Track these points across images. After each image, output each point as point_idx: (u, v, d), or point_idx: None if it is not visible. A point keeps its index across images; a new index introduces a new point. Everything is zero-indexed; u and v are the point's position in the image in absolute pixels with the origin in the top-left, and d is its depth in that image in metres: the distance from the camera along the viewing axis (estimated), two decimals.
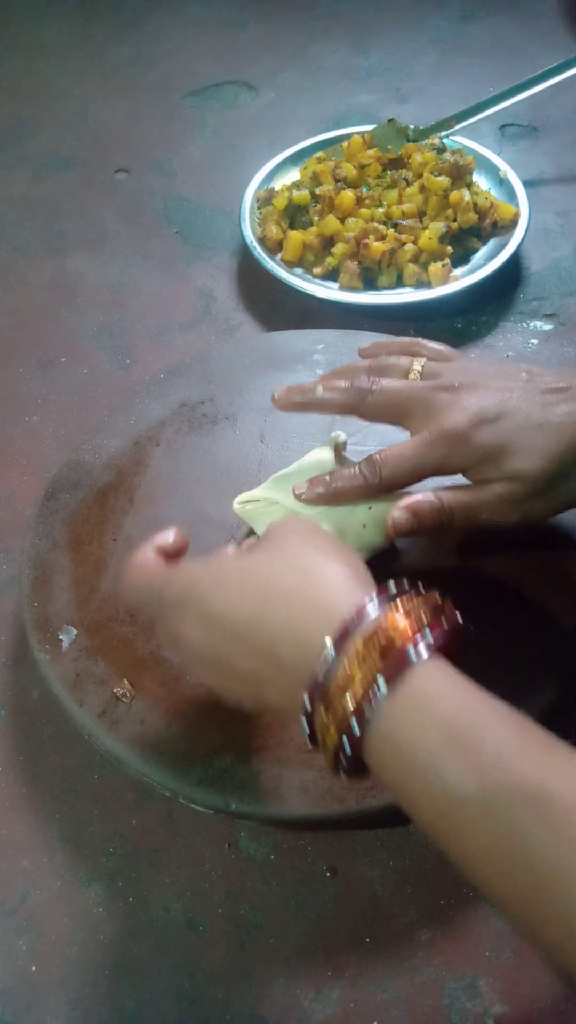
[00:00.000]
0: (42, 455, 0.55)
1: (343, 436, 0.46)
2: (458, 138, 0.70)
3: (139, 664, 0.41)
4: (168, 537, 0.34)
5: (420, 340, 0.43)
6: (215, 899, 0.38)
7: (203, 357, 0.55)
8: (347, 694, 0.24)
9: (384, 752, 0.25)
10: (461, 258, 0.63)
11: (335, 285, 0.62)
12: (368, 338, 0.55)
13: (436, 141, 0.69)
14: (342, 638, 0.25)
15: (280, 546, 0.30)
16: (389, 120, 0.70)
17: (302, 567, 0.28)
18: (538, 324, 0.61)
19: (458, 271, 0.62)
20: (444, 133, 0.70)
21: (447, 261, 0.61)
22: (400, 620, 0.25)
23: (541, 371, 0.38)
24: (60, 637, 0.42)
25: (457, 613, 0.27)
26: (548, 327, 0.61)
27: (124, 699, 0.40)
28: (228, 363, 0.54)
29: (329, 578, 0.27)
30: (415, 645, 0.25)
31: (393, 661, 0.24)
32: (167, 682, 0.40)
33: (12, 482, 0.54)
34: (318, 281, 0.62)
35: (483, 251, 0.63)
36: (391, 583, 0.27)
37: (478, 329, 0.61)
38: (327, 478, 0.40)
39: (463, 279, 0.60)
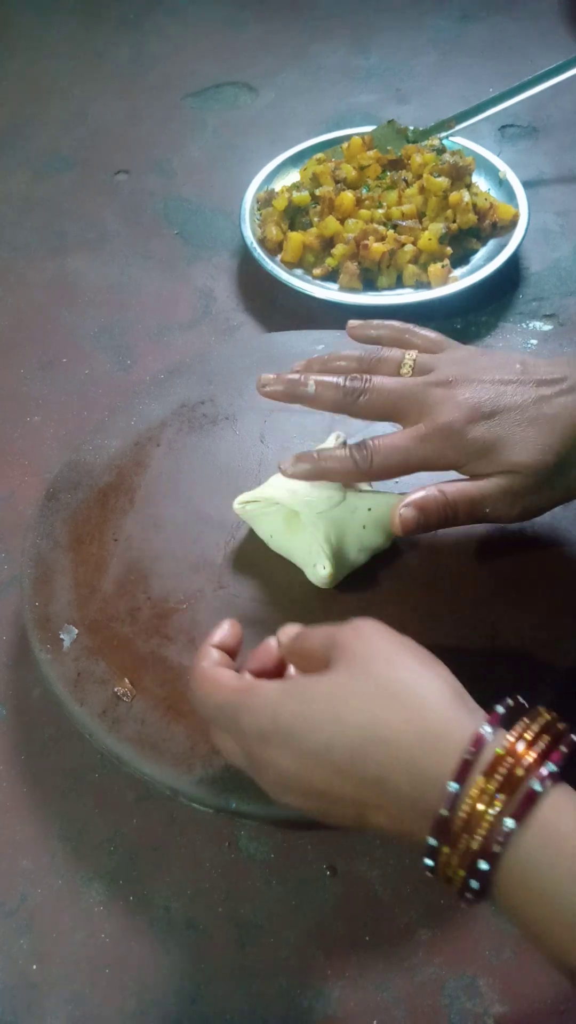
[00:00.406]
0: (43, 455, 0.55)
1: (343, 436, 0.46)
2: (458, 139, 0.70)
3: (140, 664, 0.41)
4: (225, 633, 0.33)
5: (411, 327, 0.42)
6: (215, 898, 0.38)
7: (203, 357, 0.55)
8: (475, 834, 0.24)
9: (514, 887, 0.24)
10: (461, 259, 0.63)
11: (335, 286, 0.62)
12: None
13: (436, 142, 0.69)
14: (463, 773, 0.24)
15: (366, 667, 0.27)
16: (389, 121, 0.70)
17: (400, 693, 0.26)
18: (537, 324, 0.61)
19: (458, 272, 0.62)
20: (444, 134, 0.70)
21: (447, 262, 0.61)
22: (520, 748, 0.24)
23: (535, 362, 0.38)
24: (61, 636, 0.42)
25: (571, 734, 0.26)
26: (547, 327, 0.61)
27: (125, 698, 0.40)
28: (228, 363, 0.55)
29: (434, 703, 0.26)
30: (539, 777, 0.24)
31: (519, 796, 0.23)
32: (168, 682, 0.40)
33: (13, 482, 0.54)
34: (318, 282, 0.63)
35: (483, 252, 0.63)
36: (499, 707, 0.26)
37: (477, 330, 0.61)
38: (315, 455, 0.39)
39: (463, 280, 0.60)
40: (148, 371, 0.60)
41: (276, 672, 0.33)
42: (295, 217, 0.66)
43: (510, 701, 0.26)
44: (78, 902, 0.38)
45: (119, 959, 0.37)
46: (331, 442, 0.45)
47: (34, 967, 0.37)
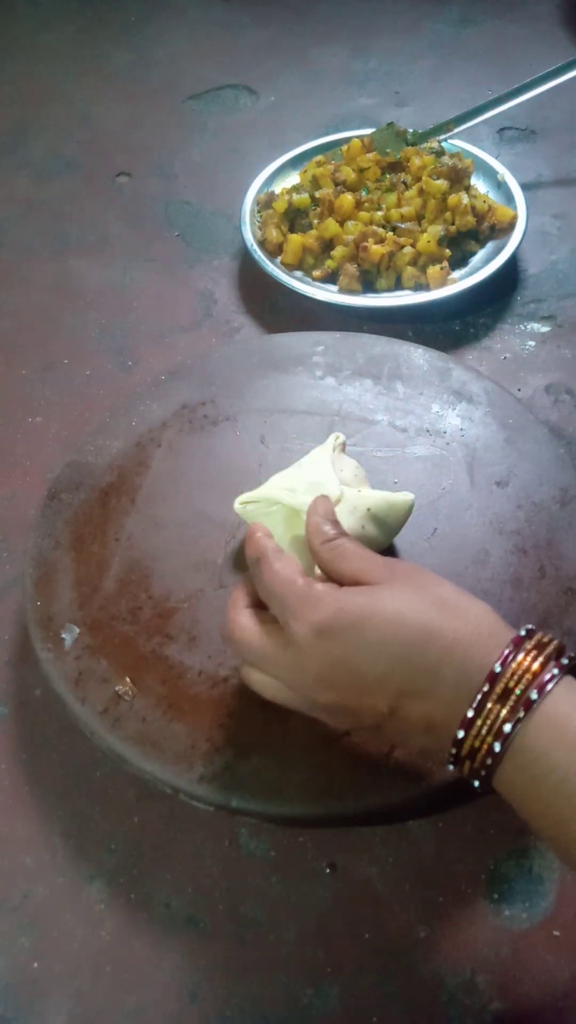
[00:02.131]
0: (44, 456, 0.56)
1: (343, 437, 0.46)
2: (456, 141, 0.71)
3: (141, 662, 0.41)
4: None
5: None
6: (216, 895, 0.38)
7: (204, 359, 0.56)
8: (505, 704, 0.28)
9: (523, 759, 0.28)
10: (459, 261, 0.63)
11: (334, 288, 0.62)
12: (367, 340, 0.55)
13: (435, 144, 0.69)
14: (504, 661, 0.29)
15: (421, 584, 0.32)
16: (388, 124, 0.71)
17: (454, 604, 0.31)
18: (536, 326, 0.62)
19: (456, 274, 0.62)
20: (443, 137, 0.71)
21: (445, 264, 0.62)
22: (538, 653, 0.30)
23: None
24: (62, 636, 0.42)
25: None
26: (546, 329, 0.61)
27: (126, 697, 0.40)
28: (229, 365, 0.55)
29: (482, 614, 0.31)
30: (559, 666, 0.29)
31: (539, 681, 0.29)
32: (168, 680, 0.41)
33: (15, 483, 0.55)
34: (318, 284, 0.63)
35: (481, 254, 0.64)
36: (522, 631, 0.31)
37: (476, 331, 0.61)
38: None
39: (461, 282, 0.61)
40: (149, 372, 0.60)
41: None
42: (295, 219, 0.66)
43: (530, 626, 0.31)
44: (79, 900, 0.39)
45: (120, 956, 0.37)
46: (331, 442, 0.46)
47: (35, 964, 0.37)
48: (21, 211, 0.75)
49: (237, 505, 0.44)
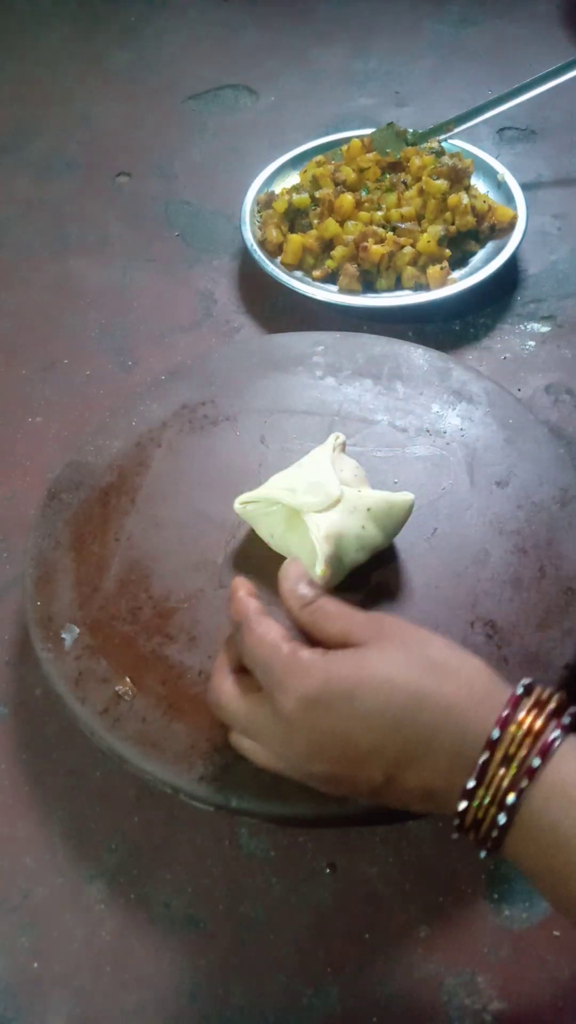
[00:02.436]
0: (45, 456, 0.56)
1: (342, 437, 0.46)
2: (456, 141, 0.71)
3: (141, 662, 0.41)
4: (249, 586, 0.34)
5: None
6: (216, 895, 0.38)
7: (204, 359, 0.56)
8: (509, 768, 0.27)
9: (531, 830, 0.27)
10: (459, 261, 0.63)
11: (334, 288, 0.62)
12: (367, 340, 0.55)
13: (435, 144, 0.70)
14: (504, 725, 0.28)
15: (407, 645, 0.31)
16: (388, 124, 0.71)
17: (445, 666, 0.30)
18: (536, 326, 0.62)
19: (456, 274, 0.62)
20: (443, 137, 0.71)
21: (445, 264, 0.62)
22: (535, 721, 0.28)
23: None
24: (62, 636, 0.42)
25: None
26: (546, 329, 0.61)
27: (126, 697, 0.40)
28: (229, 365, 0.55)
29: (476, 674, 0.30)
30: (560, 726, 0.28)
31: (542, 741, 0.28)
32: (168, 680, 0.41)
33: (15, 483, 0.55)
34: (318, 284, 0.63)
35: (481, 254, 0.64)
36: (519, 688, 0.30)
37: (476, 331, 0.61)
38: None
39: (461, 282, 0.61)
40: (149, 372, 0.60)
41: None
42: (295, 219, 0.66)
43: (527, 681, 0.30)
44: (79, 900, 0.39)
45: (120, 956, 0.37)
46: (331, 443, 0.46)
47: (35, 964, 0.37)
48: (21, 211, 0.75)
49: (237, 505, 0.44)
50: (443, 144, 0.70)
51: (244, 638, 0.32)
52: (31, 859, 0.40)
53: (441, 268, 0.61)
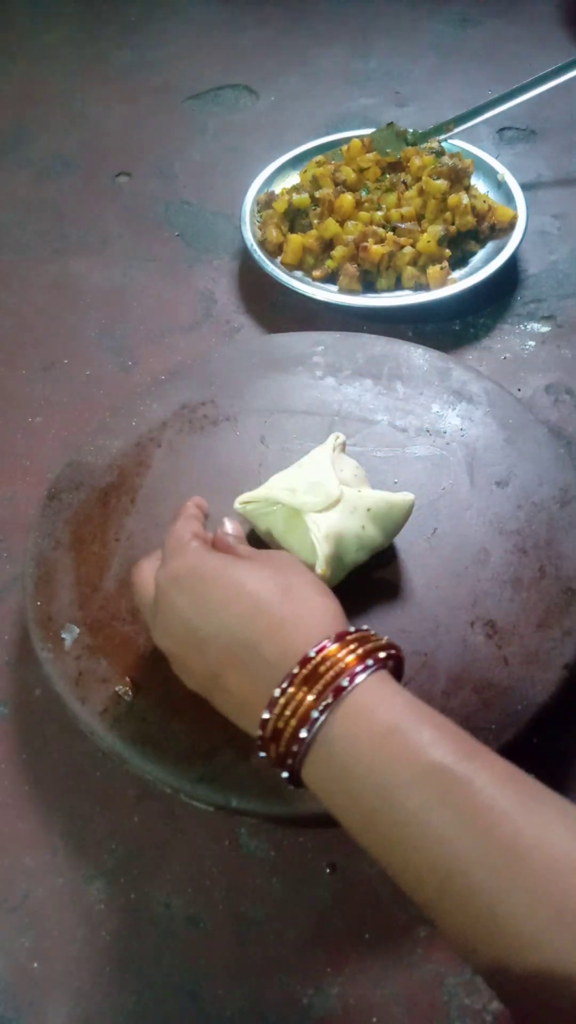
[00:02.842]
0: (44, 456, 0.56)
1: (342, 437, 0.46)
2: (456, 141, 0.71)
3: (141, 662, 0.41)
4: (201, 500, 0.40)
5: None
6: (216, 895, 0.38)
7: (204, 359, 0.56)
8: (312, 689, 0.28)
9: (331, 748, 0.28)
10: (459, 261, 0.63)
11: (334, 288, 0.62)
12: (367, 340, 0.55)
13: (435, 144, 0.69)
14: (319, 651, 0.29)
15: (279, 569, 0.33)
16: (388, 124, 0.71)
17: (299, 593, 0.32)
18: (536, 326, 0.62)
19: (456, 274, 0.62)
20: (443, 137, 0.71)
21: (445, 264, 0.62)
22: (351, 655, 0.30)
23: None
24: (62, 636, 0.42)
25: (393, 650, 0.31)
26: (546, 329, 0.61)
27: (126, 697, 0.40)
28: (229, 365, 0.55)
29: (321, 608, 0.32)
30: (366, 664, 0.29)
31: (351, 673, 0.29)
32: (168, 680, 0.41)
33: (15, 483, 0.55)
34: (318, 284, 0.63)
35: (481, 254, 0.64)
36: (351, 628, 0.31)
37: (476, 331, 0.61)
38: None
39: (461, 282, 0.61)
40: (149, 372, 0.60)
41: None
42: (295, 219, 0.66)
43: (366, 627, 0.31)
44: (79, 900, 0.39)
45: (120, 956, 0.37)
46: (331, 443, 0.46)
47: (35, 964, 0.37)
48: (21, 211, 0.75)
49: (237, 505, 0.44)
50: (443, 144, 0.70)
51: (168, 530, 0.36)
52: (31, 859, 0.40)
53: (441, 268, 0.61)
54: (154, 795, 0.41)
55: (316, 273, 0.63)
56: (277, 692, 0.29)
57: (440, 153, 0.68)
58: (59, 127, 0.83)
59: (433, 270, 0.61)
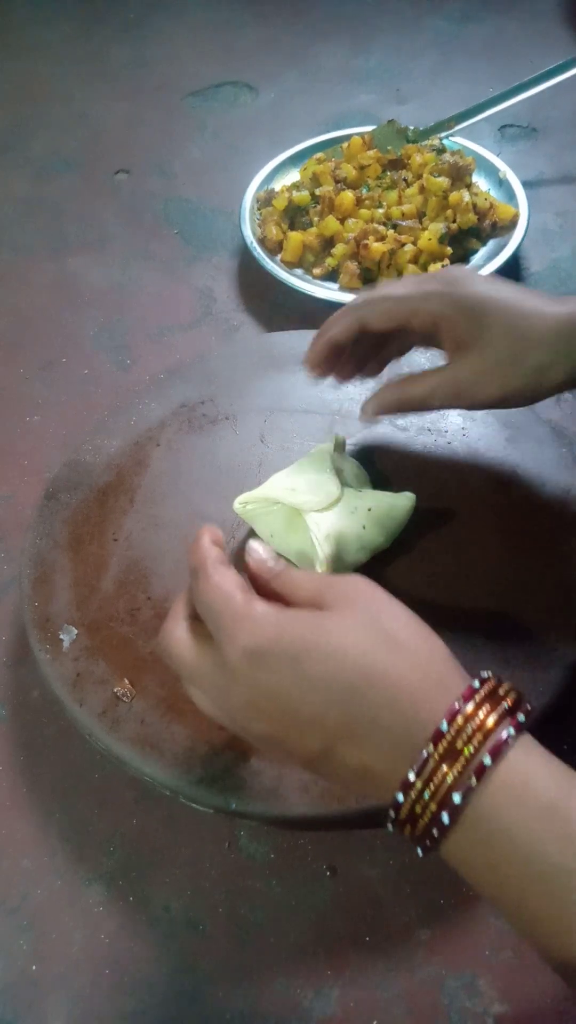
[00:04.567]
0: (43, 455, 0.56)
1: (343, 436, 0.46)
2: (458, 139, 0.70)
3: (139, 664, 0.41)
4: (215, 533, 0.33)
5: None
6: (215, 898, 0.38)
7: (203, 357, 0.55)
8: (453, 767, 0.26)
9: (479, 834, 0.26)
10: (461, 259, 0.63)
11: (335, 286, 0.62)
12: None
13: (436, 142, 0.69)
14: (451, 717, 0.27)
15: (372, 615, 0.29)
16: (389, 121, 0.70)
17: (407, 643, 0.29)
18: None
19: None
20: (444, 134, 0.71)
21: (447, 262, 0.61)
22: (488, 716, 0.27)
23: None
24: (61, 637, 0.42)
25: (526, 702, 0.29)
26: None
27: (124, 699, 0.40)
28: (228, 363, 0.55)
29: (436, 657, 0.29)
30: (514, 724, 0.27)
31: (493, 741, 0.26)
32: (167, 682, 0.40)
33: (13, 482, 0.54)
34: (318, 282, 0.63)
35: (483, 252, 0.63)
36: (482, 674, 0.28)
37: None
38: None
39: None
40: (148, 371, 0.60)
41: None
42: (295, 217, 0.66)
43: (486, 674, 0.29)
44: (78, 902, 0.38)
45: (119, 959, 0.37)
46: (331, 442, 0.46)
47: (34, 967, 0.37)
48: (20, 209, 0.74)
49: (237, 505, 0.44)
50: (444, 141, 0.70)
51: (199, 584, 0.31)
52: (29, 861, 0.40)
53: (443, 266, 0.61)
54: (153, 797, 0.40)
55: (316, 271, 0.63)
56: (412, 775, 0.26)
57: (441, 150, 0.68)
58: (58, 125, 0.83)
59: (434, 268, 0.61)
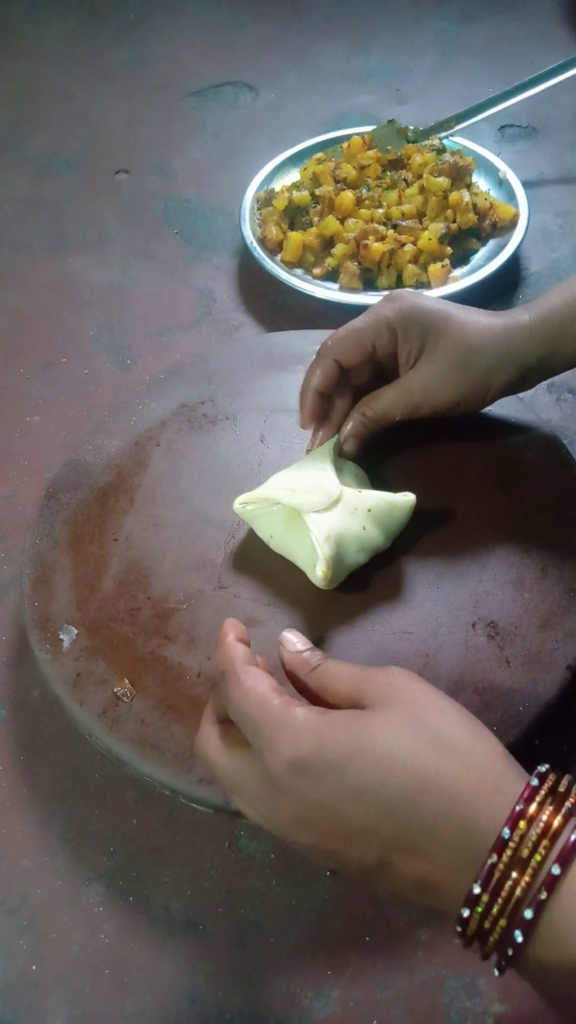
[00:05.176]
0: (43, 455, 0.56)
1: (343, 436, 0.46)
2: (458, 139, 0.70)
3: (139, 664, 0.41)
4: (240, 630, 0.32)
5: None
6: (215, 898, 0.38)
7: (203, 357, 0.55)
8: (521, 879, 0.24)
9: (555, 950, 0.24)
10: (461, 259, 0.63)
11: (335, 286, 0.62)
12: None
13: (436, 142, 0.69)
14: (514, 821, 0.25)
15: (417, 715, 0.28)
16: (389, 121, 0.70)
17: (457, 744, 0.27)
18: None
19: (457, 272, 0.62)
20: (444, 134, 0.71)
21: (447, 262, 0.61)
22: (553, 818, 0.25)
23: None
24: (61, 637, 0.42)
25: None
26: None
27: (124, 698, 0.40)
28: (228, 363, 0.55)
29: (490, 758, 0.27)
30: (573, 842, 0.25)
31: (562, 842, 0.25)
32: (167, 682, 0.40)
33: (13, 482, 0.54)
34: (318, 282, 0.63)
35: (483, 252, 0.63)
36: (534, 779, 0.27)
37: None
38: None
39: (462, 280, 0.60)
40: (148, 371, 0.60)
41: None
42: (295, 217, 0.66)
43: (543, 768, 0.27)
44: (78, 902, 0.38)
45: (119, 959, 0.37)
46: (331, 442, 0.46)
47: (34, 967, 0.37)
48: (19, 209, 0.74)
49: (237, 505, 0.44)
50: (444, 141, 0.70)
51: (230, 690, 0.29)
52: (29, 861, 0.40)
53: (443, 266, 0.61)
54: (153, 797, 0.40)
55: (316, 271, 0.63)
56: (477, 888, 0.24)
57: (441, 150, 0.68)
58: (58, 124, 0.83)
59: (434, 268, 0.61)
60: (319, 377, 0.44)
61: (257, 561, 0.44)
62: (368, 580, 0.43)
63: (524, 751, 0.37)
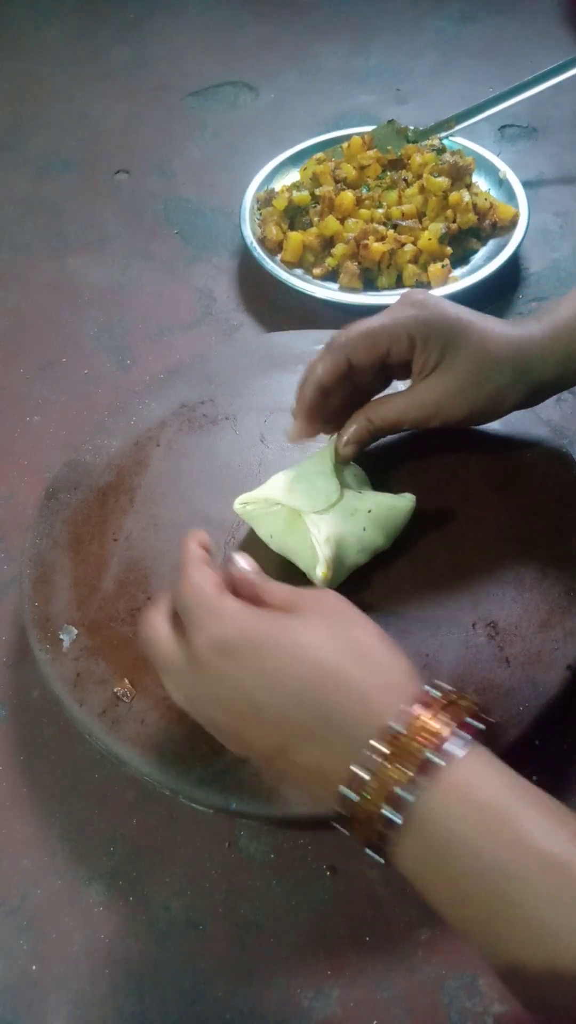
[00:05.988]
0: (43, 455, 0.56)
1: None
2: (458, 139, 0.70)
3: (139, 664, 0.41)
4: (204, 538, 0.35)
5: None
6: (215, 898, 0.38)
7: (203, 357, 0.55)
8: (404, 765, 0.26)
9: (426, 835, 0.26)
10: (461, 259, 0.63)
11: (335, 286, 0.62)
12: None
13: (436, 142, 0.69)
14: (404, 718, 0.27)
15: (336, 622, 0.30)
16: (389, 121, 0.70)
17: (367, 650, 0.30)
18: None
19: (457, 272, 0.62)
20: (444, 134, 0.71)
21: (447, 262, 0.61)
22: (443, 723, 0.27)
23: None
24: (61, 637, 0.42)
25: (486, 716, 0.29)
26: None
27: (124, 698, 0.40)
28: (228, 363, 0.55)
29: (394, 665, 0.29)
30: (467, 728, 0.27)
31: (442, 745, 0.26)
32: None
33: (13, 482, 0.54)
34: (318, 282, 0.63)
35: (483, 252, 0.63)
36: (434, 690, 0.29)
37: None
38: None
39: (462, 280, 0.60)
40: (148, 371, 0.60)
41: None
42: (295, 217, 0.66)
43: (448, 687, 0.29)
44: (78, 902, 0.38)
45: (119, 959, 0.37)
46: (331, 443, 0.45)
47: (34, 967, 0.37)
48: (19, 209, 0.74)
49: (237, 505, 0.44)
50: (444, 141, 0.70)
51: (179, 581, 0.32)
52: (29, 861, 0.40)
53: (442, 266, 0.61)
54: (153, 797, 0.40)
55: (316, 271, 0.63)
56: (359, 769, 0.26)
57: (441, 150, 0.68)
58: (57, 124, 0.83)
59: (434, 268, 0.61)
60: (325, 371, 0.42)
61: (257, 561, 0.44)
62: (368, 580, 0.43)
63: (524, 751, 0.37)
